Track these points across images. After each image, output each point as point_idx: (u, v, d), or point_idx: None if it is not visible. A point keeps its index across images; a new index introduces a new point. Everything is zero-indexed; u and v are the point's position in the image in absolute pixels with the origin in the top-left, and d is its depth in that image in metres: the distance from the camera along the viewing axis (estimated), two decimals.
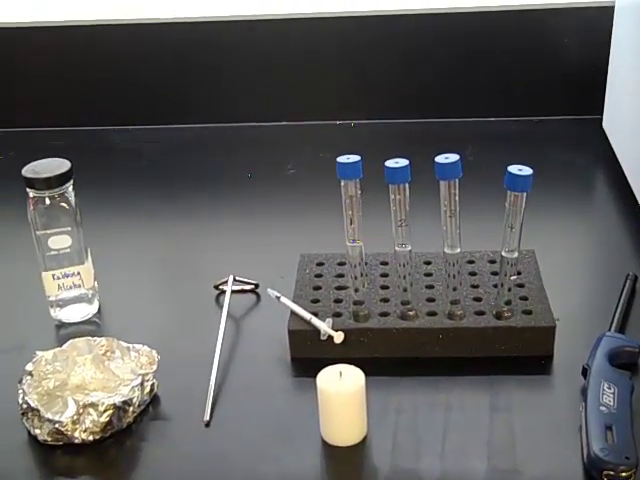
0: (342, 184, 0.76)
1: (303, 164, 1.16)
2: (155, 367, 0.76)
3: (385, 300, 0.82)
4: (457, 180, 0.75)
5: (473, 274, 0.86)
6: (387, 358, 0.79)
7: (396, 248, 0.78)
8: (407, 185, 0.75)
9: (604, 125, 1.14)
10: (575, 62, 1.19)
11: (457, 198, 0.75)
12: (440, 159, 0.74)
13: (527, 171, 0.74)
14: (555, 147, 1.16)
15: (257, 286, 0.90)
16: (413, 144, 1.17)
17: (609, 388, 0.71)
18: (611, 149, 1.10)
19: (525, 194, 0.74)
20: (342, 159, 0.75)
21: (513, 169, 0.74)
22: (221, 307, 0.87)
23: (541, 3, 1.17)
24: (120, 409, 0.71)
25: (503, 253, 0.77)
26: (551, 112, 1.23)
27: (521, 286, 0.83)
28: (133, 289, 0.93)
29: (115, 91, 1.27)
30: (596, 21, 1.15)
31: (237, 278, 0.90)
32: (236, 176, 1.15)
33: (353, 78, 1.25)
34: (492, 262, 0.87)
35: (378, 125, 1.26)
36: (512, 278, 0.78)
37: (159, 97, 1.27)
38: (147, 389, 0.74)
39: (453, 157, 0.74)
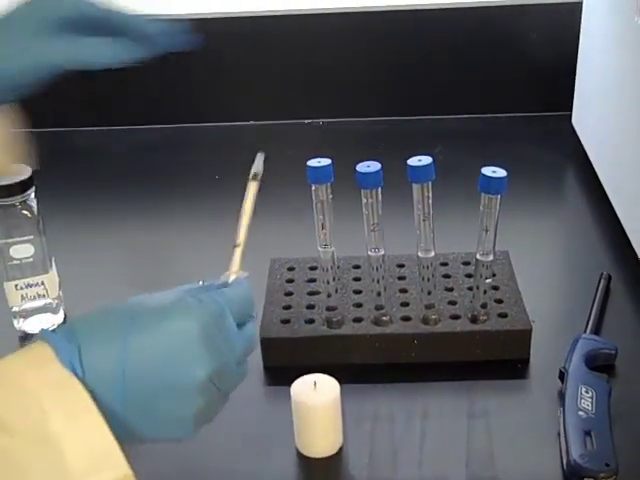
0: (313, 189, 0.74)
1: (271, 165, 1.14)
2: None
3: (358, 305, 0.81)
4: (430, 183, 0.73)
5: (447, 277, 0.84)
6: (362, 364, 0.77)
7: (369, 253, 0.76)
8: (379, 189, 0.74)
9: (573, 121, 1.13)
10: (544, 58, 1.18)
11: (430, 201, 0.74)
12: (413, 162, 0.73)
13: (501, 173, 0.72)
14: (525, 144, 1.15)
15: None
16: (382, 142, 1.16)
17: (587, 392, 0.70)
18: (581, 145, 1.09)
19: (499, 196, 0.73)
20: (313, 163, 0.74)
21: (487, 171, 0.72)
22: None
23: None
24: None
25: (478, 256, 0.76)
26: (520, 109, 1.22)
27: (496, 288, 0.82)
28: (100, 297, 0.88)
29: (78, 91, 1.24)
30: (565, 17, 1.14)
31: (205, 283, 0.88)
32: (204, 178, 1.12)
33: (320, 76, 1.23)
34: (466, 264, 0.85)
35: (347, 123, 1.24)
36: (487, 281, 0.77)
37: (123, 97, 1.24)
38: None
39: (426, 159, 0.73)
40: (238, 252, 0.63)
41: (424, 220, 0.74)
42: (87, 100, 1.24)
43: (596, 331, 0.79)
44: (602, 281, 0.85)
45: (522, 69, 1.20)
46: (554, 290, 0.88)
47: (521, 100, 1.22)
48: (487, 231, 0.74)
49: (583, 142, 1.08)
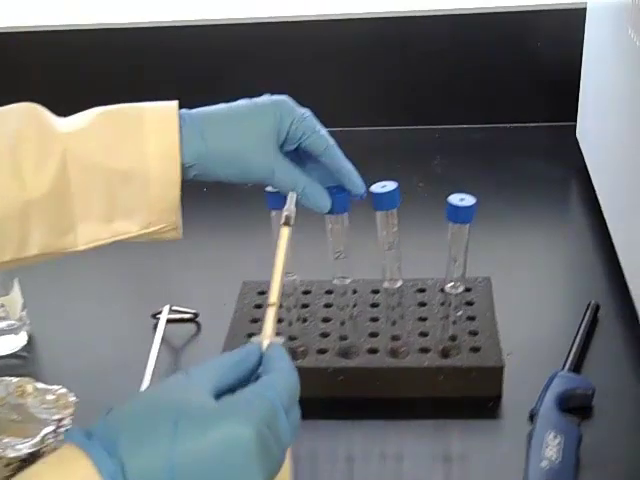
0: (272, 215, 0.71)
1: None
2: (70, 411, 0.71)
3: (325, 335, 0.77)
4: (395, 210, 0.69)
5: (422, 305, 0.80)
6: (322, 399, 0.73)
7: (334, 281, 0.72)
8: (346, 215, 0.70)
9: (577, 134, 1.07)
10: (548, 67, 1.13)
11: (396, 229, 0.69)
12: (376, 188, 0.69)
13: (469, 201, 0.68)
14: (526, 157, 1.10)
15: (196, 315, 0.85)
16: (376, 154, 1.12)
17: (555, 438, 0.65)
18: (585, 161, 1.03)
19: (468, 225, 0.69)
20: (271, 188, 0.70)
21: (454, 199, 0.68)
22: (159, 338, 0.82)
23: (513, 5, 1.11)
24: (27, 461, 0.66)
25: (447, 288, 0.72)
26: (525, 119, 1.16)
27: (472, 319, 0.77)
28: (67, 318, 0.88)
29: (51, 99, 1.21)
30: (571, 24, 1.08)
31: (174, 308, 0.85)
32: (191, 190, 1.09)
33: (318, 85, 1.19)
34: (444, 291, 0.81)
35: (345, 133, 1.20)
36: (458, 314, 0.73)
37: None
38: (61, 437, 0.69)
39: (390, 185, 0.69)
40: (271, 313, 0.54)
41: (389, 249, 0.70)
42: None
43: (576, 367, 0.74)
44: (589, 311, 0.80)
45: (526, 78, 1.14)
46: (539, 319, 0.83)
47: (525, 110, 1.16)
48: (456, 261, 0.70)
49: (585, 157, 1.02)
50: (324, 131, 0.67)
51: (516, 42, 1.13)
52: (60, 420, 0.70)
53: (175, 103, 0.64)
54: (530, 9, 1.10)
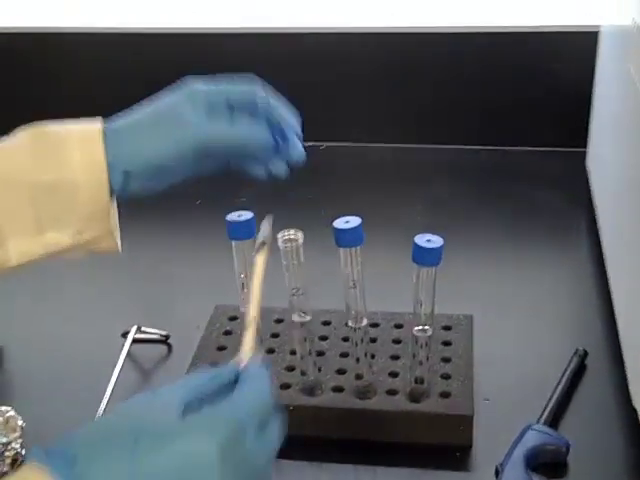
0: (233, 245, 0.67)
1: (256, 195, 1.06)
2: (17, 435, 0.68)
3: (290, 369, 0.74)
4: (358, 248, 0.65)
5: (397, 342, 0.76)
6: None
7: (293, 318, 0.69)
8: (301, 251, 0.66)
9: (587, 162, 1.02)
10: (563, 88, 1.07)
11: (359, 267, 0.66)
12: (339, 224, 0.65)
13: (437, 242, 0.63)
14: (534, 184, 1.05)
15: (167, 337, 0.83)
16: (373, 172, 1.09)
17: None
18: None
19: (435, 268, 0.64)
20: (232, 217, 0.67)
21: (420, 240, 0.64)
22: (129, 359, 0.80)
23: (527, 26, 1.06)
24: None
25: (414, 331, 0.68)
26: (536, 143, 1.11)
27: (447, 360, 0.73)
28: (36, 333, 0.86)
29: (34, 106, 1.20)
30: (587, 46, 1.03)
31: (143, 329, 0.82)
32: (185, 202, 1.06)
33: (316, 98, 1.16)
34: None
35: (349, 149, 1.17)
36: (428, 358, 0.69)
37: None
38: (8, 460, 0.67)
39: (354, 221, 0.65)
40: (249, 333, 0.54)
41: (353, 287, 0.66)
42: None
43: (554, 420, 0.70)
44: (574, 359, 0.75)
45: (539, 100, 1.09)
46: (523, 363, 0.77)
47: (537, 134, 1.11)
48: (422, 305, 0.66)
49: (592, 189, 0.97)
50: (253, 87, 0.65)
51: (530, 62, 1.08)
52: (7, 444, 0.68)
53: (99, 118, 0.64)
54: (544, 30, 1.05)
